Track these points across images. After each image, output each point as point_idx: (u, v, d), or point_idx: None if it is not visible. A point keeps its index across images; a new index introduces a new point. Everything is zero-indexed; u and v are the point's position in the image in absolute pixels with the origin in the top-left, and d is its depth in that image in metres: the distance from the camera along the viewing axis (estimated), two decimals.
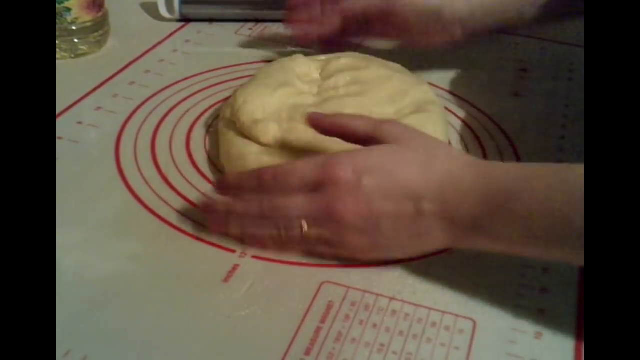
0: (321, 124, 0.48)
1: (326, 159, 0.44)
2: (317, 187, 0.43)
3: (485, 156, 0.57)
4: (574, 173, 0.38)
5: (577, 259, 0.37)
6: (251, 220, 0.45)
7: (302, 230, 0.43)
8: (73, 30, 0.67)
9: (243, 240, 0.46)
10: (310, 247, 0.45)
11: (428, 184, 0.42)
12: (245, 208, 0.45)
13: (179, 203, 0.50)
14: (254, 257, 0.46)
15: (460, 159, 0.44)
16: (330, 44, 0.64)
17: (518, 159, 0.57)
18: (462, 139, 0.59)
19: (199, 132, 0.59)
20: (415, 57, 0.67)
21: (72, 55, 0.68)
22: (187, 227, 0.48)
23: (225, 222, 0.46)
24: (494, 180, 0.41)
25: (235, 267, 0.45)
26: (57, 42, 0.66)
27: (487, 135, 0.60)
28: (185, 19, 0.77)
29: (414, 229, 0.43)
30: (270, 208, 0.44)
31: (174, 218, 0.49)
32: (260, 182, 0.45)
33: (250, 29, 0.77)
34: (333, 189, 0.43)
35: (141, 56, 0.70)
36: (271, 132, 0.51)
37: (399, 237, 0.43)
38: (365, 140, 0.46)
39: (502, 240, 0.41)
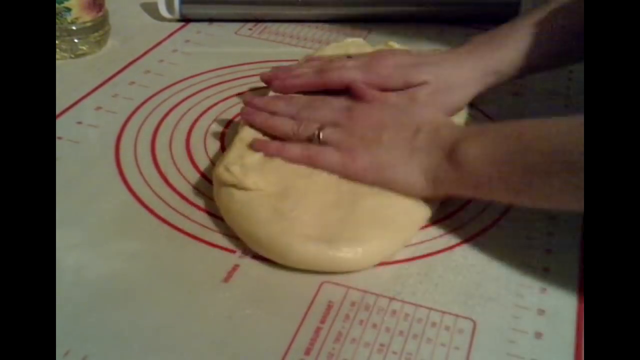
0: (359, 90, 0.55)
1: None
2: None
3: None
4: (574, 120, 0.40)
5: (576, 198, 0.39)
6: (278, 117, 0.53)
7: (317, 133, 0.50)
8: (73, 30, 0.67)
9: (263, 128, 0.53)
10: (315, 151, 0.50)
11: (430, 122, 0.49)
12: (278, 106, 0.54)
13: (179, 203, 0.51)
14: (254, 257, 0.46)
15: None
16: None
17: None
18: None
19: (199, 132, 0.58)
20: None
21: (72, 55, 0.68)
22: (187, 227, 0.48)
23: (256, 113, 0.54)
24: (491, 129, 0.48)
25: (235, 267, 0.45)
26: (57, 42, 0.66)
27: None
28: (185, 19, 0.77)
29: (407, 149, 0.48)
30: (299, 111, 0.53)
31: (174, 218, 0.49)
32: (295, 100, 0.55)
33: (250, 29, 0.77)
34: (358, 105, 0.52)
35: (141, 56, 0.70)
36: (252, 177, 0.48)
37: (394, 154, 0.48)
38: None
39: (487, 169, 0.45)
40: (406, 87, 0.56)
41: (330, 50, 0.66)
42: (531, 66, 0.57)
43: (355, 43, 0.68)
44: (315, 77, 0.57)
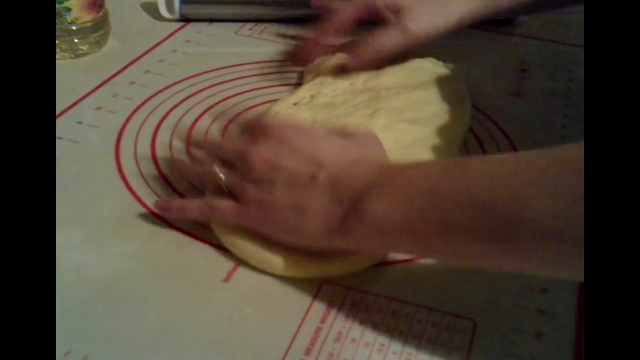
0: None
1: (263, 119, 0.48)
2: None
3: None
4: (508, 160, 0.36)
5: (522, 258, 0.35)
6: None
7: (217, 178, 0.46)
8: (73, 30, 0.67)
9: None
10: (211, 205, 0.46)
11: (335, 160, 0.43)
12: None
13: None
14: None
15: (385, 163, 0.44)
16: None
17: None
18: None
19: (198, 132, 0.58)
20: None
21: (72, 55, 0.68)
22: (187, 227, 0.48)
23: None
24: (399, 173, 0.41)
25: (235, 267, 0.45)
26: (57, 42, 0.66)
27: (487, 135, 0.60)
28: (186, 19, 0.77)
29: (302, 196, 0.42)
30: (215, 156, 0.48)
31: (174, 218, 0.49)
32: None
33: (250, 29, 0.77)
34: (256, 142, 0.45)
35: (141, 56, 0.70)
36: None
37: (286, 201, 0.42)
38: None
39: (391, 225, 0.39)
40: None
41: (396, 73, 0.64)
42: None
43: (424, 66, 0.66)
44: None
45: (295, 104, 0.58)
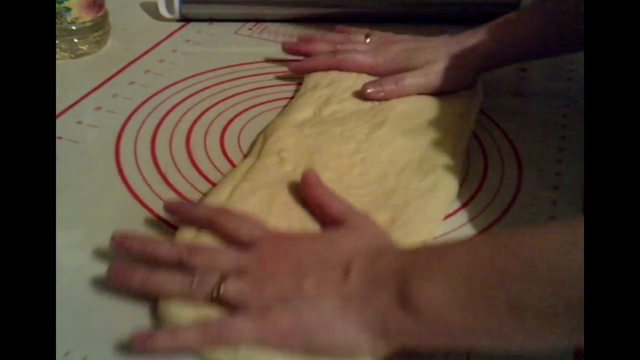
0: (309, 190, 0.46)
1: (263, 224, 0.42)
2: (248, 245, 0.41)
3: (485, 156, 0.57)
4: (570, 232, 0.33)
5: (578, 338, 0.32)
6: (162, 271, 0.40)
7: (217, 286, 0.38)
8: (73, 30, 0.67)
9: (142, 291, 0.41)
10: (218, 329, 0.38)
11: (358, 253, 0.39)
12: (159, 249, 0.41)
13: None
14: None
15: (413, 248, 0.40)
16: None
17: (518, 159, 0.57)
18: None
19: (199, 132, 0.58)
20: None
21: (72, 55, 0.68)
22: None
23: (129, 272, 0.41)
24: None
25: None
26: (57, 42, 0.66)
27: (487, 135, 0.60)
28: (185, 19, 0.77)
29: (339, 294, 0.37)
30: (188, 256, 0.40)
31: (174, 218, 0.49)
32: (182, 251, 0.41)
33: (250, 29, 0.77)
34: (267, 244, 0.40)
35: (141, 56, 0.70)
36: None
37: (320, 306, 0.37)
38: (333, 222, 0.44)
39: (456, 314, 0.34)
40: (411, 68, 0.61)
41: None
42: (529, 48, 0.60)
43: None
44: (329, 58, 0.63)
45: (298, 125, 0.56)
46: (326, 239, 0.42)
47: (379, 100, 0.59)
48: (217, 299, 0.38)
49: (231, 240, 0.41)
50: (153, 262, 0.41)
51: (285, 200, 0.47)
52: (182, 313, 0.39)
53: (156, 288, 0.40)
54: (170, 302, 0.39)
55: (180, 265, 0.40)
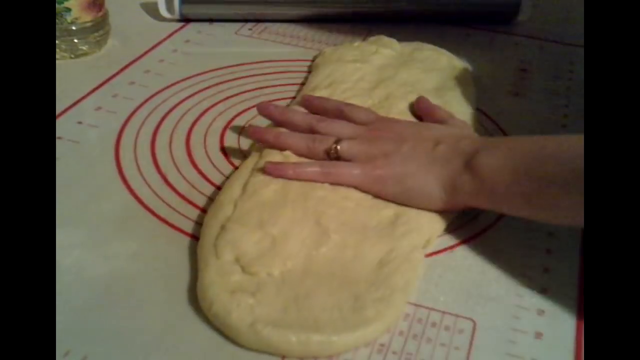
0: (420, 102, 0.58)
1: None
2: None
3: None
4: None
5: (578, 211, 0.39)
6: (291, 133, 0.52)
7: (334, 147, 0.49)
8: (73, 30, 0.67)
9: (273, 144, 0.51)
10: (333, 167, 0.49)
11: (448, 135, 0.50)
12: (296, 116, 0.53)
13: (179, 203, 0.51)
14: None
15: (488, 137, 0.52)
16: None
17: None
18: None
19: (199, 132, 0.58)
20: None
21: (72, 55, 0.68)
22: (187, 227, 0.48)
23: (265, 131, 0.53)
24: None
25: None
26: (57, 42, 0.66)
27: (487, 135, 0.60)
28: (185, 19, 0.77)
29: (427, 157, 0.48)
30: (317, 123, 0.52)
31: (174, 218, 0.49)
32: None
33: (250, 29, 0.77)
34: (378, 123, 0.52)
35: (141, 56, 0.70)
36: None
37: (412, 165, 0.48)
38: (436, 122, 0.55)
39: (504, 178, 0.44)
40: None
41: (353, 48, 0.67)
42: None
43: (381, 41, 0.69)
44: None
45: None
46: (425, 125, 0.54)
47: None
48: (333, 154, 0.49)
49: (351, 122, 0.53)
50: (288, 126, 0.53)
51: (299, 191, 0.48)
52: (219, 294, 0.41)
53: (286, 142, 0.51)
54: (207, 283, 0.42)
55: (309, 130, 0.52)
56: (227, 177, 0.52)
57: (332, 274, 0.43)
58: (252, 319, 0.39)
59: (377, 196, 0.48)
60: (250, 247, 0.44)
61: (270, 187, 0.48)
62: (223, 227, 0.45)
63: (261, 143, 0.53)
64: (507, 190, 0.44)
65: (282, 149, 0.51)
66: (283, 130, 0.53)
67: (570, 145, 0.42)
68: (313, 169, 0.49)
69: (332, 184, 0.49)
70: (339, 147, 0.49)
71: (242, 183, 0.49)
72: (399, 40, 0.70)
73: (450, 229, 0.49)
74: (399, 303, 0.42)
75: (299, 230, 0.45)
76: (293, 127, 0.53)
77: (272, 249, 0.44)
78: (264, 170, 0.49)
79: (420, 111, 0.57)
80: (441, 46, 0.71)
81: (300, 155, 0.51)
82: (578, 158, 0.39)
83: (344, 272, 0.43)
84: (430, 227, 0.47)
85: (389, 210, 0.48)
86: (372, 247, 0.45)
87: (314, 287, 0.42)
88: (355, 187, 0.49)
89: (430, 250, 0.47)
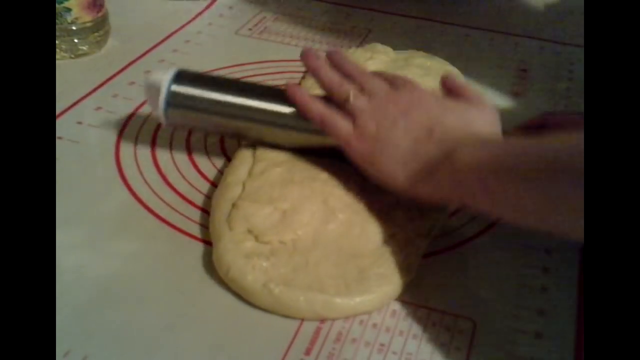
0: (447, 80, 0.53)
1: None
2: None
3: None
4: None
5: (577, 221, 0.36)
6: (330, 71, 0.52)
7: (351, 95, 0.49)
8: (73, 30, 0.67)
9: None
10: (331, 114, 0.49)
11: (453, 127, 0.47)
12: (345, 63, 0.53)
13: (179, 203, 0.51)
14: None
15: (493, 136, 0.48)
16: None
17: None
18: None
19: (199, 132, 0.58)
20: None
21: (72, 55, 0.68)
22: (187, 227, 0.48)
23: (314, 58, 0.53)
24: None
25: None
26: (57, 42, 0.66)
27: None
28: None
29: (414, 144, 0.46)
30: (355, 73, 0.51)
31: (174, 218, 0.49)
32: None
33: (250, 29, 0.77)
34: (404, 87, 0.50)
35: (141, 56, 0.70)
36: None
37: (399, 142, 0.47)
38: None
39: (475, 172, 0.42)
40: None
41: (349, 54, 0.67)
42: None
43: (375, 48, 0.68)
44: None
45: None
46: (442, 106, 0.50)
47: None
48: (347, 103, 0.49)
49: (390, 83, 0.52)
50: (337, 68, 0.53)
51: (305, 173, 0.49)
52: (235, 259, 0.43)
53: (321, 73, 0.52)
54: (222, 250, 0.44)
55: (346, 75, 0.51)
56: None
57: (340, 248, 0.45)
58: (265, 278, 0.42)
59: (349, 160, 0.49)
60: (262, 220, 0.46)
61: (276, 170, 0.49)
62: (234, 205, 0.47)
63: (305, 64, 0.53)
64: (487, 186, 0.42)
65: (316, 78, 0.52)
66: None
67: (555, 142, 0.40)
68: (317, 106, 0.50)
69: (330, 156, 0.50)
70: (351, 99, 0.49)
71: (248, 168, 0.50)
72: (398, 41, 0.70)
73: (450, 229, 0.49)
74: (399, 282, 0.44)
75: (308, 205, 0.47)
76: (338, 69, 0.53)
77: (283, 220, 0.46)
78: (286, 87, 0.51)
79: (447, 91, 0.53)
80: (441, 46, 0.71)
81: (327, 92, 0.51)
82: (561, 151, 0.38)
83: (350, 248, 0.45)
84: (432, 215, 0.48)
85: (392, 196, 0.48)
86: (377, 229, 0.47)
87: (322, 257, 0.44)
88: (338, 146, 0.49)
89: (430, 242, 0.47)
